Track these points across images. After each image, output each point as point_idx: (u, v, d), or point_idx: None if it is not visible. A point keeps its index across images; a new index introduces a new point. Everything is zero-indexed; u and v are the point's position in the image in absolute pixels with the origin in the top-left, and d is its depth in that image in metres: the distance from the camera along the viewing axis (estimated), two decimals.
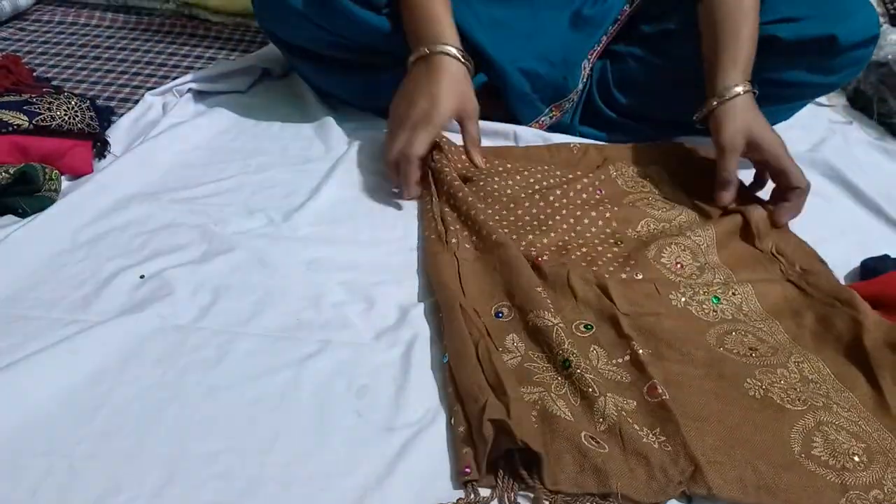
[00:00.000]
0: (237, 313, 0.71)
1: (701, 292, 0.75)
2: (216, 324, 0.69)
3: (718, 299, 0.75)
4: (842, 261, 0.84)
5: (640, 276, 0.78)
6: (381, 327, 0.71)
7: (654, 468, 0.55)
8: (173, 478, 0.54)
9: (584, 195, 0.92)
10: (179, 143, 1.00)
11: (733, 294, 0.76)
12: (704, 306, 0.74)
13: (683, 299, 0.75)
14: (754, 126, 0.88)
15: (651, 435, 0.59)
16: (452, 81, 0.88)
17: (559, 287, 0.75)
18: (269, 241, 0.81)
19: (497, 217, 0.86)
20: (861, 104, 1.26)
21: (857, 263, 0.84)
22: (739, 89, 0.89)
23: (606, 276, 0.77)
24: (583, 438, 0.57)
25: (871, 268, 0.82)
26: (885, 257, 0.83)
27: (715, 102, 0.90)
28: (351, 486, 0.54)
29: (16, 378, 0.60)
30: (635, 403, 0.62)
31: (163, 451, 0.56)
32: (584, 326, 0.70)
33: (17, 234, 0.78)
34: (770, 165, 0.89)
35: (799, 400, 0.63)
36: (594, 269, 0.78)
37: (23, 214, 0.82)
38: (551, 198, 0.90)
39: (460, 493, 0.55)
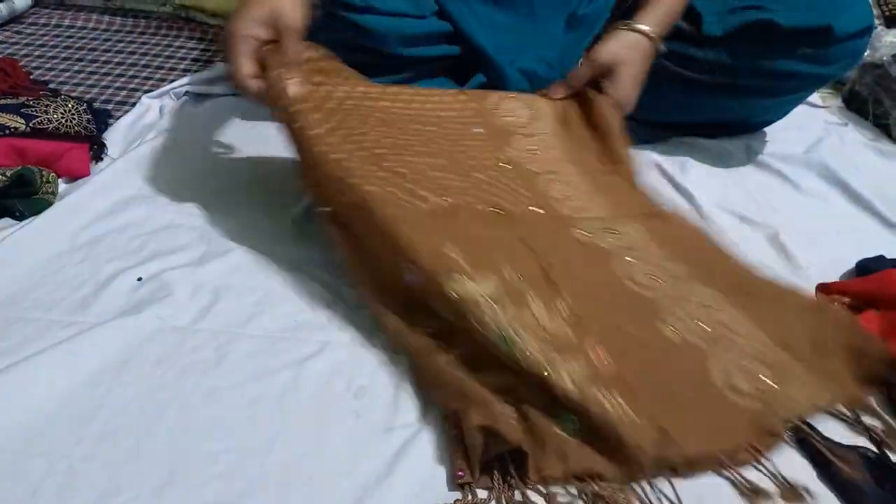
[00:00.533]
0: (236, 314, 0.71)
1: (597, 228, 0.75)
2: (215, 325, 0.70)
3: (613, 231, 0.75)
4: (838, 261, 0.84)
5: (541, 212, 0.75)
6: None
7: (628, 446, 0.56)
8: (173, 478, 0.54)
9: (465, 120, 0.86)
10: (176, 146, 1.00)
11: (624, 228, 0.76)
12: (607, 239, 0.74)
13: (586, 236, 0.73)
14: (629, 62, 0.91)
15: (614, 400, 0.58)
16: None
17: (461, 235, 0.66)
18: (267, 242, 0.81)
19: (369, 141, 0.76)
20: (856, 106, 1.26)
21: (852, 264, 0.84)
22: (645, 29, 0.92)
23: (506, 210, 0.73)
24: (556, 429, 0.58)
25: (867, 268, 0.82)
26: (881, 258, 0.83)
27: (617, 26, 0.93)
28: (350, 486, 0.55)
29: (15, 379, 0.60)
30: (586, 368, 0.59)
31: (163, 452, 0.56)
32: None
33: (15, 236, 0.78)
34: (610, 97, 0.91)
35: (707, 337, 0.65)
36: (495, 202, 0.73)
37: (20, 217, 0.82)
38: (430, 127, 0.82)
39: (458, 494, 0.55)
